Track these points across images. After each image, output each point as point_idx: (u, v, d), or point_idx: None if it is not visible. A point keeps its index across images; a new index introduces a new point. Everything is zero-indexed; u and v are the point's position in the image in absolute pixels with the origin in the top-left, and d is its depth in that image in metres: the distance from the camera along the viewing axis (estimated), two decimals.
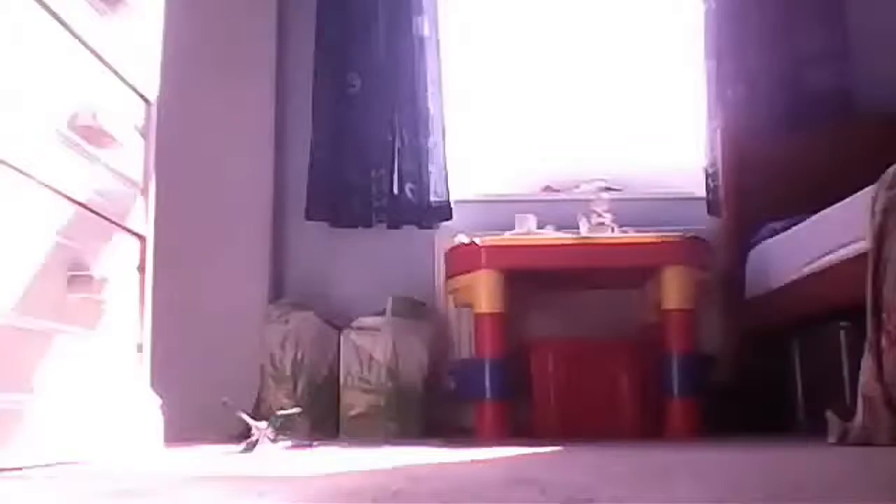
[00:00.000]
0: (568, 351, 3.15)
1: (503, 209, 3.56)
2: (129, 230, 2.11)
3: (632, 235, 3.25)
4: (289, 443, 2.47)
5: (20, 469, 1.52)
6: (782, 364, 3.24)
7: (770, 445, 2.42)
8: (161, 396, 2.22)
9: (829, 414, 2.32)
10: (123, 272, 2.07)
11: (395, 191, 3.66)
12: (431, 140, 3.67)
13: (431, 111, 3.68)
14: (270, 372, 3.30)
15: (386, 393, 3.29)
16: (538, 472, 1.64)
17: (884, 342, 2.11)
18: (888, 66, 3.67)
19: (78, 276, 1.79)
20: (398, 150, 3.67)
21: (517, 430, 3.01)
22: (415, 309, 3.45)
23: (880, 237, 2.17)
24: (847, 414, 2.25)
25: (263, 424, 2.44)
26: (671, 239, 3.17)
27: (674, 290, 3.09)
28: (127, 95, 2.10)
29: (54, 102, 1.75)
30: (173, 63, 2.35)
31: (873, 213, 2.21)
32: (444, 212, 3.66)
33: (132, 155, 2.12)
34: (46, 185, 1.70)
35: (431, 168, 3.66)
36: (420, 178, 3.66)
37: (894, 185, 2.20)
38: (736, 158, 3.55)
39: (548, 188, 3.82)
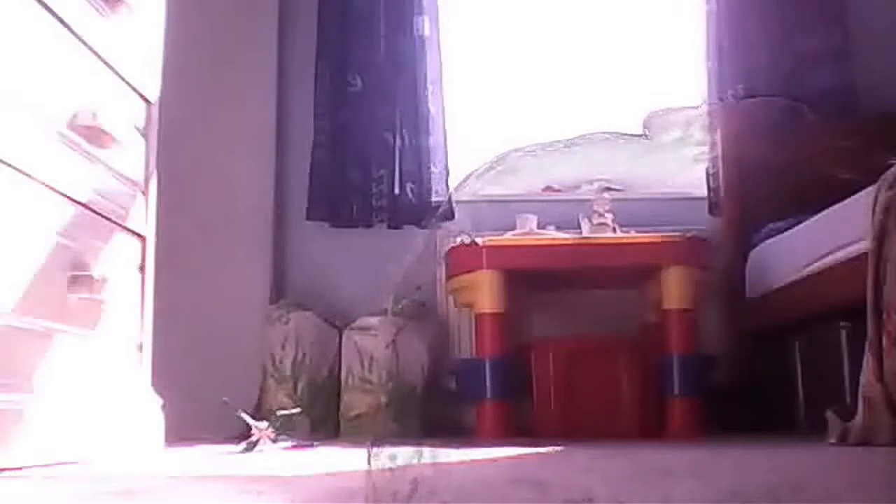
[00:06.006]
0: (568, 351, 3.14)
1: (504, 209, 3.55)
2: (129, 230, 2.11)
3: (632, 235, 3.25)
4: (289, 443, 2.47)
5: (20, 469, 1.53)
6: (782, 364, 3.24)
7: (770, 445, 2.42)
8: (161, 396, 2.22)
9: (829, 414, 2.32)
10: (124, 272, 2.07)
11: (396, 191, 3.66)
12: (432, 140, 3.67)
13: (432, 111, 3.68)
14: (271, 372, 3.30)
15: (386, 393, 3.29)
16: (538, 472, 1.64)
17: (884, 342, 2.11)
18: (888, 66, 3.67)
19: (78, 276, 1.79)
20: (399, 149, 3.67)
21: (517, 430, 3.01)
22: (415, 309, 3.45)
23: (881, 237, 2.17)
24: (847, 414, 2.24)
25: (264, 424, 2.44)
26: (672, 239, 3.17)
27: (674, 290, 3.09)
28: (127, 95, 2.10)
29: (54, 102, 1.75)
30: (173, 63, 2.36)
31: (874, 213, 2.21)
32: (444, 212, 3.66)
33: (132, 155, 2.12)
34: (46, 185, 1.70)
35: (432, 168, 3.66)
36: (421, 178, 3.65)
37: (895, 185, 2.19)
38: (736, 158, 3.55)
39: (549, 188, 3.82)
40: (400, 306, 3.40)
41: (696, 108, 3.73)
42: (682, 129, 3.77)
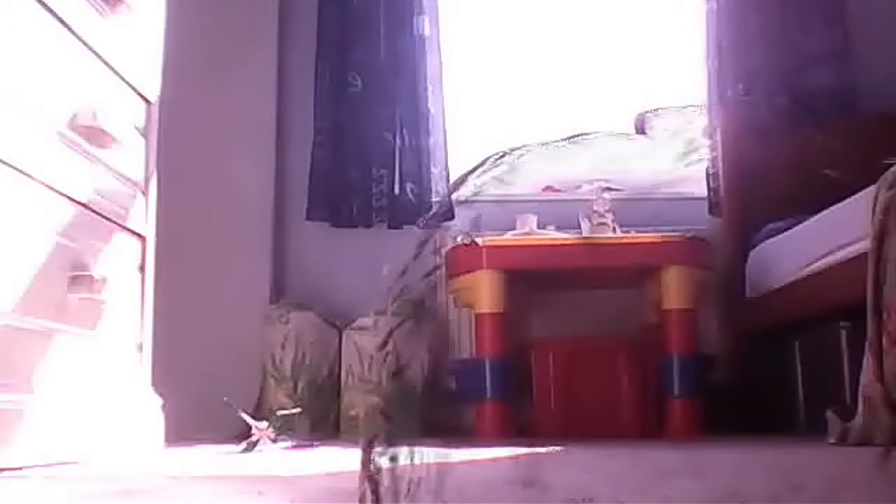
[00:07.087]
0: (568, 351, 3.14)
1: (504, 209, 3.55)
2: (129, 230, 2.11)
3: (632, 235, 3.25)
4: (289, 443, 2.47)
5: (20, 469, 1.53)
6: (782, 364, 3.24)
7: (770, 445, 2.42)
8: (161, 396, 2.22)
9: (829, 414, 2.32)
10: (124, 272, 2.07)
11: (396, 191, 3.65)
12: (432, 140, 3.67)
13: (432, 111, 3.68)
14: (271, 372, 3.30)
15: (383, 393, 3.29)
16: (538, 472, 1.64)
17: (884, 342, 2.11)
18: (888, 66, 3.67)
19: (78, 276, 1.79)
20: (399, 149, 3.67)
21: (517, 430, 3.01)
22: (415, 309, 3.45)
23: (881, 237, 2.17)
24: (847, 414, 2.25)
25: (264, 424, 2.44)
26: (672, 239, 3.17)
27: (674, 290, 3.09)
28: (127, 95, 2.10)
29: (54, 102, 1.75)
30: (173, 63, 2.36)
31: (874, 213, 2.21)
32: (445, 212, 3.66)
33: (132, 155, 2.12)
34: (46, 185, 1.70)
35: (432, 168, 3.66)
36: (421, 178, 3.65)
37: (895, 185, 2.19)
38: (736, 158, 3.55)
39: (549, 188, 3.82)
40: (397, 304, 3.40)
41: (696, 107, 3.73)
42: (682, 128, 3.77)
